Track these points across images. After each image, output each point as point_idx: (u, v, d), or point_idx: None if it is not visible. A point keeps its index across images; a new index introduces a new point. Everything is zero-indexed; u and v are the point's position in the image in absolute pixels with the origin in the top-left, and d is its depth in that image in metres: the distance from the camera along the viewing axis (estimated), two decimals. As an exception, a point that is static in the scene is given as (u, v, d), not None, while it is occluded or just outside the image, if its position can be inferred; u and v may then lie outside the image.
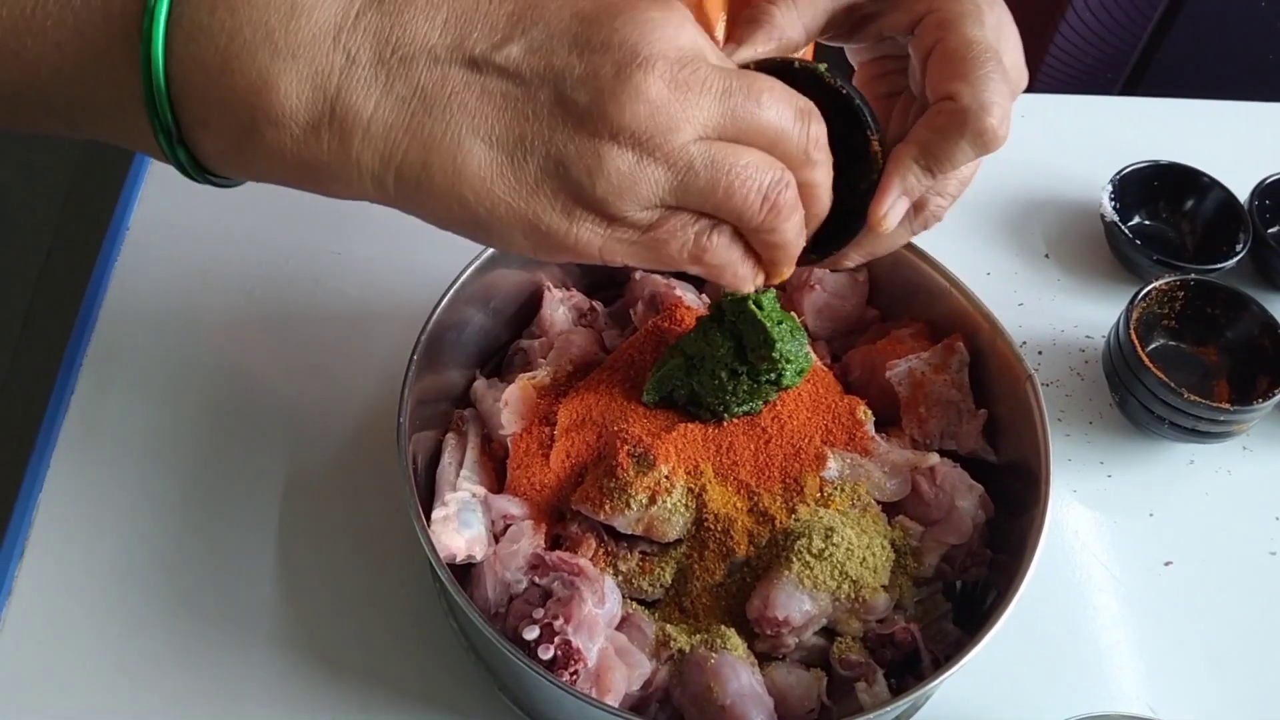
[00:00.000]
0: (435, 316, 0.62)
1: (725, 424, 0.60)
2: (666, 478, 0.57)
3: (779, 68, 0.48)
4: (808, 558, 0.56)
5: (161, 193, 0.81)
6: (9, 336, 1.75)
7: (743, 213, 0.41)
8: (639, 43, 0.38)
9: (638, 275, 0.70)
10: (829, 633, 0.58)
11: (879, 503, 0.60)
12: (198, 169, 0.40)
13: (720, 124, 0.40)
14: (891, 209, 0.48)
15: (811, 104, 0.43)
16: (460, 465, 0.63)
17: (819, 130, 0.43)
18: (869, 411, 0.62)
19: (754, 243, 0.44)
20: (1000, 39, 0.48)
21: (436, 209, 0.39)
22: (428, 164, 0.38)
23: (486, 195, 0.38)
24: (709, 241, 0.42)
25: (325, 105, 0.37)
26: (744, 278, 0.45)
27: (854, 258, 0.53)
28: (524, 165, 0.38)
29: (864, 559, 0.57)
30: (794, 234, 0.44)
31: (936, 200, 0.51)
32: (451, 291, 0.63)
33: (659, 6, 0.39)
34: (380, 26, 0.37)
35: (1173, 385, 0.69)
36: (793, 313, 0.63)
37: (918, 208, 0.51)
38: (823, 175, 0.44)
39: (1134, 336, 0.71)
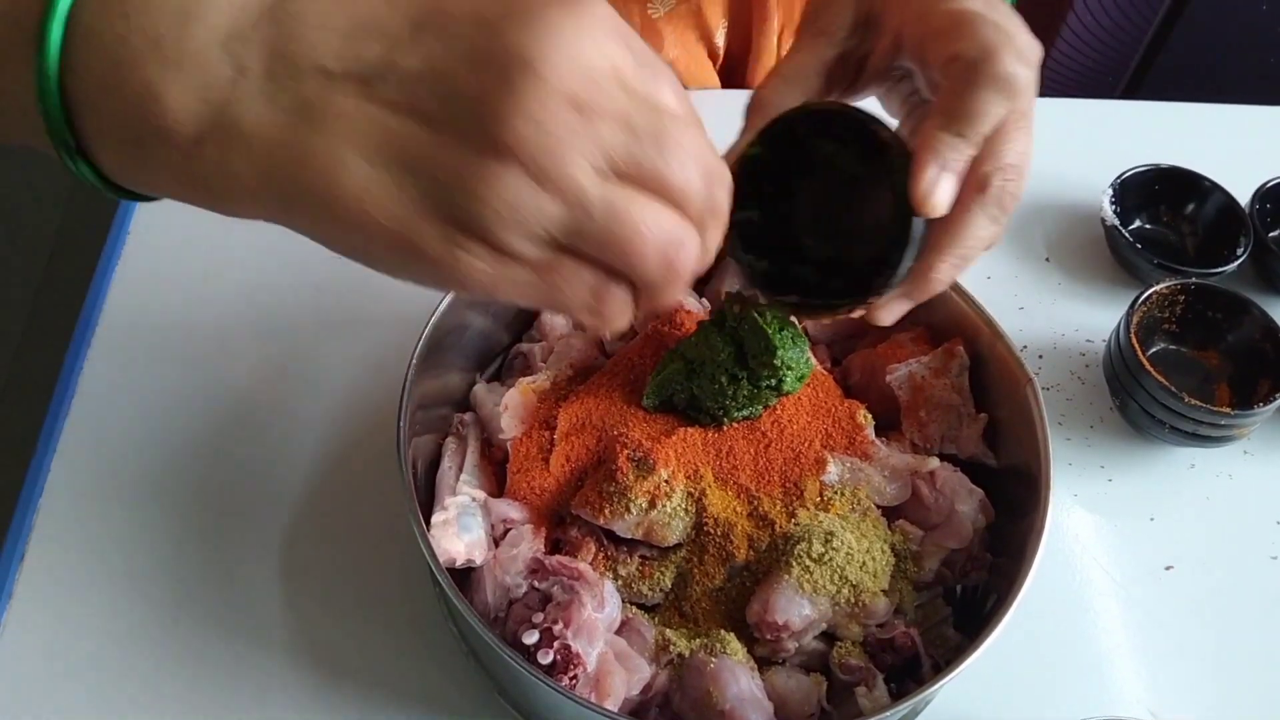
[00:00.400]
0: (434, 320, 0.62)
1: (725, 428, 0.60)
2: (666, 482, 0.57)
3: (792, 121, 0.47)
4: (807, 562, 0.56)
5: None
6: (11, 339, 1.75)
7: (640, 270, 0.38)
8: (532, 51, 0.34)
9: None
10: (829, 637, 0.58)
11: (879, 507, 0.60)
12: (104, 183, 0.38)
13: (620, 159, 0.36)
14: (935, 186, 0.45)
15: (722, 166, 0.40)
16: (460, 469, 0.63)
17: (722, 196, 0.40)
18: (869, 415, 0.62)
19: (641, 291, 0.40)
20: (989, 9, 0.46)
21: (316, 230, 0.37)
22: (301, 180, 0.35)
23: (361, 215, 0.35)
24: (607, 296, 0.38)
25: (210, 118, 0.35)
26: (624, 324, 0.42)
27: (904, 296, 0.49)
28: (405, 185, 0.35)
29: (864, 563, 0.57)
30: (686, 279, 0.40)
31: (1000, 175, 0.46)
32: (450, 295, 0.63)
33: (569, 7, 0.35)
34: (273, 37, 0.35)
35: (1173, 389, 0.69)
36: (793, 318, 0.63)
37: (979, 187, 0.46)
38: (713, 240, 0.40)
39: (1135, 340, 0.71)
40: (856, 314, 0.51)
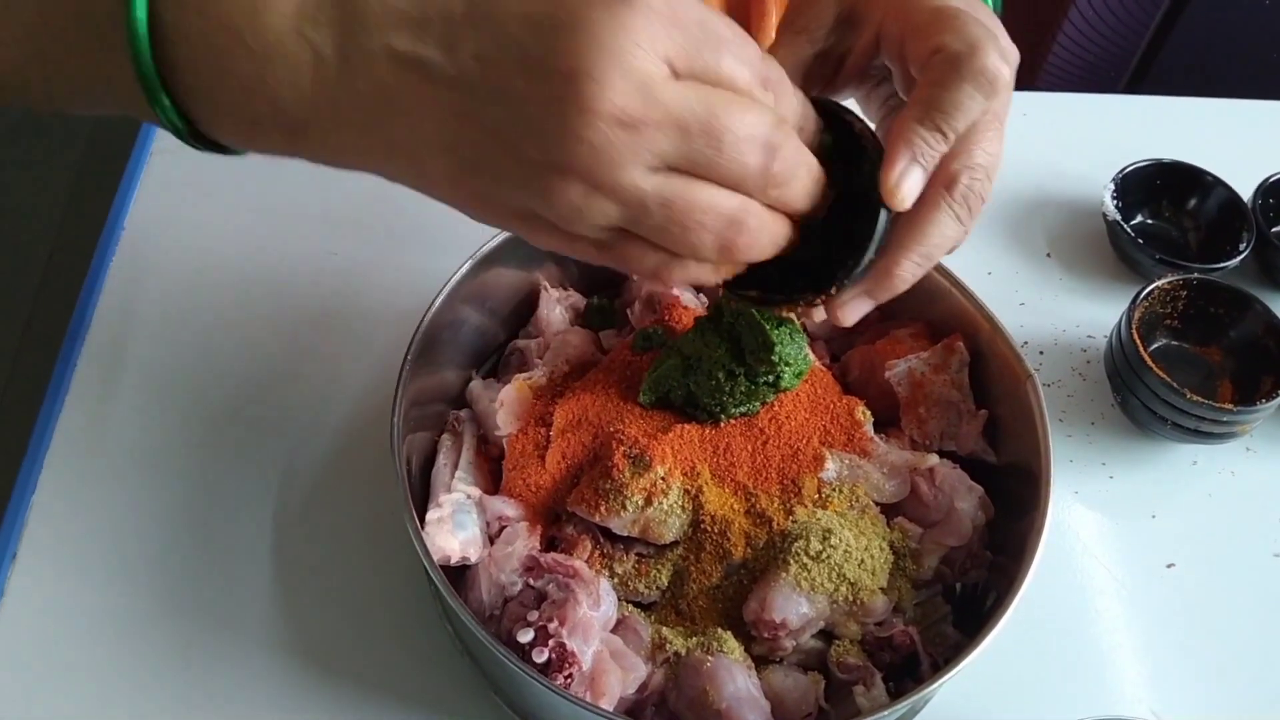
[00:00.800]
0: (430, 316, 0.61)
1: (722, 425, 0.60)
2: (663, 479, 0.57)
3: None
4: (805, 560, 0.55)
5: (158, 193, 0.81)
6: (11, 337, 1.75)
7: (698, 251, 0.41)
8: (580, 70, 0.36)
9: (635, 275, 0.70)
10: (827, 635, 0.57)
11: (877, 504, 0.60)
12: (218, 147, 0.42)
13: (673, 159, 0.38)
14: (903, 178, 0.45)
15: (783, 134, 0.41)
16: (455, 466, 0.62)
17: (785, 166, 0.41)
18: (868, 412, 0.62)
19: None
20: (971, 7, 0.46)
21: (417, 188, 0.41)
22: (394, 161, 0.39)
23: (450, 191, 0.40)
24: (671, 268, 0.42)
25: (308, 102, 0.38)
26: (707, 281, 0.45)
27: (866, 295, 0.48)
28: (484, 180, 0.39)
29: (862, 561, 0.56)
30: (760, 251, 0.43)
31: (968, 174, 0.46)
32: (446, 291, 0.62)
33: (616, 18, 0.36)
34: (340, 18, 0.37)
35: (1175, 385, 0.68)
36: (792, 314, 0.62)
37: (947, 184, 0.46)
38: (794, 192, 0.42)
39: (1136, 336, 0.70)
40: (816, 312, 0.50)
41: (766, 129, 0.40)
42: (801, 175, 0.42)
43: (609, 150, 0.37)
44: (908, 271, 0.47)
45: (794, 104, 0.44)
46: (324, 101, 0.38)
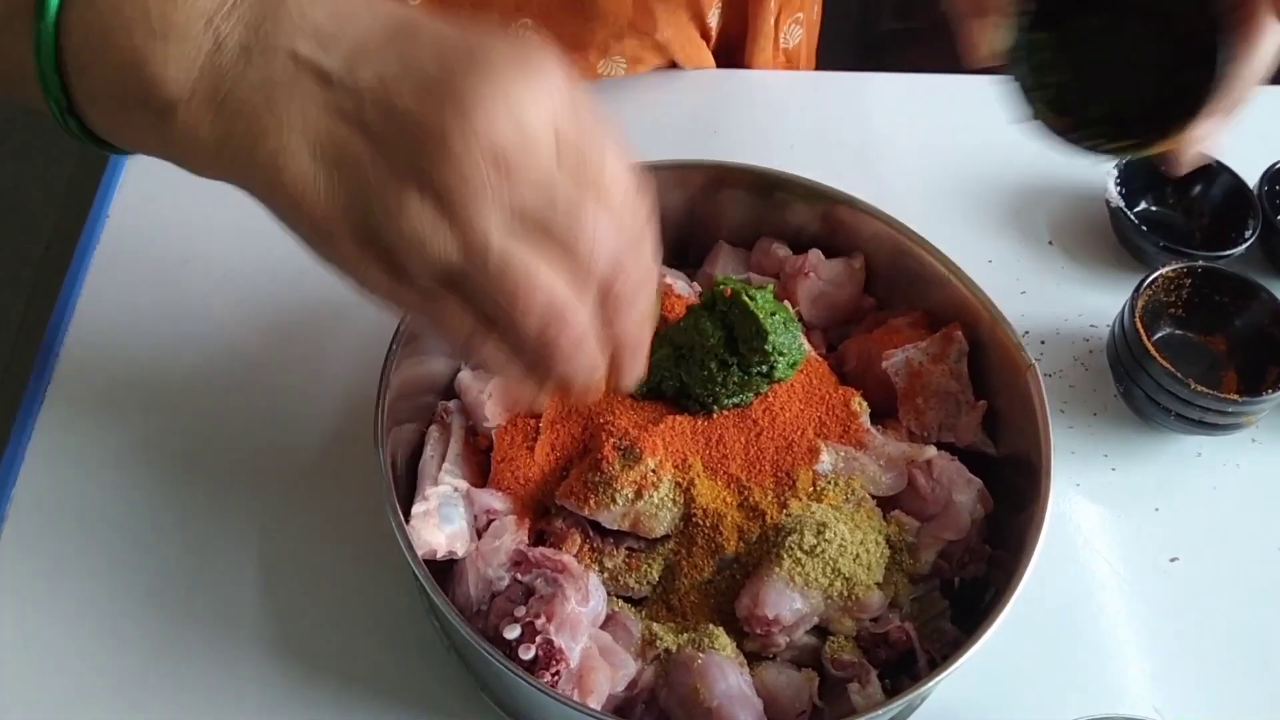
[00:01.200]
0: (416, 305, 0.60)
1: (715, 416, 0.58)
2: (653, 471, 0.56)
3: None
4: (799, 554, 0.54)
5: (142, 180, 0.80)
6: (8, 329, 1.74)
7: (516, 333, 0.40)
8: (475, 101, 0.36)
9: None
10: (821, 632, 0.56)
11: (874, 497, 0.58)
12: (90, 137, 0.42)
13: (534, 221, 0.38)
14: None
15: (640, 259, 0.41)
16: (443, 459, 0.61)
17: (633, 282, 0.41)
18: (864, 403, 0.61)
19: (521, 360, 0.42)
20: None
21: (261, 199, 0.40)
22: (254, 156, 0.38)
23: (297, 200, 0.38)
24: (483, 343, 0.41)
25: (187, 87, 0.38)
26: (523, 390, 0.43)
27: (1221, 115, 0.50)
28: (336, 187, 0.38)
29: (857, 555, 0.55)
30: (572, 367, 0.41)
31: None
32: (433, 279, 0.61)
33: (524, 68, 0.38)
34: (255, 16, 0.38)
35: (1179, 375, 0.67)
36: (786, 302, 0.61)
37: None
38: (627, 319, 0.42)
39: (1139, 325, 0.69)
40: (1165, 148, 0.50)
41: (622, 242, 0.40)
42: (640, 305, 0.42)
43: (475, 181, 0.37)
44: (1242, 90, 0.49)
45: (644, 259, 0.43)
46: (205, 85, 0.38)
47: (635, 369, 0.44)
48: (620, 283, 0.41)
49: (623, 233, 0.40)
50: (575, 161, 0.39)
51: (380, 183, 0.37)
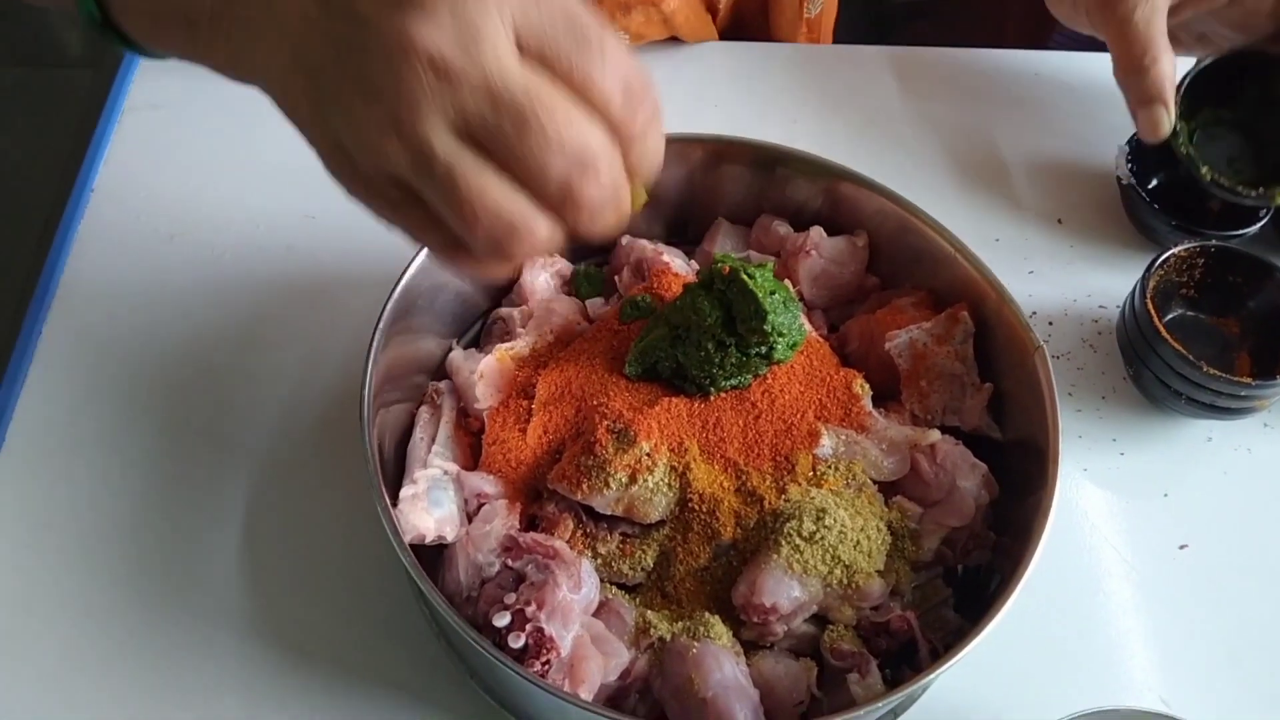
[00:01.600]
0: (404, 282, 0.58)
1: (712, 398, 0.57)
2: (648, 455, 0.54)
3: None
4: (798, 541, 0.53)
5: (128, 153, 0.78)
6: (6, 308, 1.73)
7: (472, 241, 0.39)
8: (420, 15, 0.36)
9: (624, 240, 0.67)
10: (820, 620, 0.55)
11: (875, 482, 0.57)
12: (122, 41, 0.47)
13: (477, 128, 0.37)
14: None
15: (610, 156, 0.39)
16: (432, 441, 0.59)
17: (602, 185, 0.39)
18: (866, 385, 0.59)
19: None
20: None
21: (286, 112, 0.41)
22: (254, 60, 0.41)
23: (283, 101, 0.41)
24: (457, 256, 0.41)
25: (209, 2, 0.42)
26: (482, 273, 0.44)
27: None
28: (309, 92, 0.39)
29: (858, 542, 0.53)
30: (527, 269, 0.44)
31: None
32: (423, 254, 0.59)
33: None
34: None
35: (1191, 358, 0.65)
36: (787, 281, 0.60)
37: None
38: (592, 226, 0.40)
39: (1150, 306, 0.67)
40: None
41: (585, 145, 0.38)
42: (606, 215, 0.40)
43: (415, 91, 0.36)
44: None
45: (649, 146, 0.41)
46: (214, 10, 0.41)
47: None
48: (588, 185, 0.38)
49: (585, 129, 0.38)
50: (541, 59, 0.37)
51: (336, 88, 0.38)
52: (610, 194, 0.39)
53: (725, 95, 0.86)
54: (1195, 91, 0.72)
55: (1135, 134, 0.79)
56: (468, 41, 0.36)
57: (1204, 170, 0.71)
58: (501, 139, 0.37)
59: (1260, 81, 0.73)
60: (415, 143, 0.37)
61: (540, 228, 0.39)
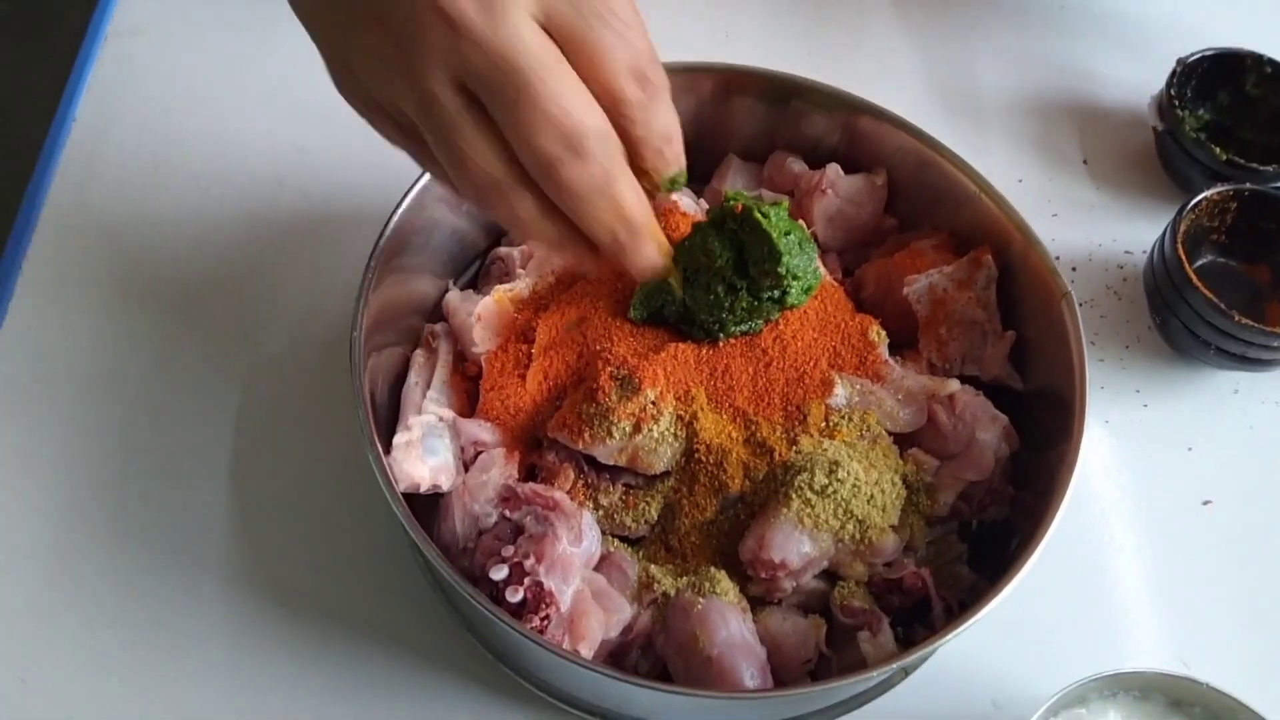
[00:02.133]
0: (397, 217, 0.56)
1: (721, 344, 0.55)
2: (653, 403, 0.52)
3: None
4: (809, 494, 0.51)
5: (111, 80, 0.75)
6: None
7: (462, 192, 0.42)
8: None
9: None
10: (830, 576, 0.54)
11: (891, 434, 0.55)
12: None
13: (478, 86, 0.38)
14: None
15: (606, 140, 0.40)
16: (427, 386, 0.57)
17: (594, 172, 0.40)
18: (883, 332, 0.57)
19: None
20: None
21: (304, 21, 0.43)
22: None
23: (308, 25, 0.42)
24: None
25: None
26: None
27: None
28: (329, 16, 0.40)
29: (871, 496, 0.52)
30: (521, 233, 0.43)
31: None
32: (416, 189, 0.57)
33: None
34: None
35: (1222, 306, 0.62)
36: (801, 221, 0.57)
37: None
38: (582, 213, 0.42)
39: (1181, 251, 0.64)
40: None
41: (577, 124, 0.39)
42: (601, 203, 0.41)
43: (430, 42, 0.37)
44: None
45: (660, 122, 0.42)
46: None
47: (588, 265, 0.46)
48: (580, 168, 0.39)
49: (583, 109, 0.39)
50: (556, 30, 0.38)
51: (357, 12, 0.39)
52: (599, 182, 0.40)
53: (737, 24, 0.82)
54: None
55: (1181, 63, 0.75)
56: (492, 5, 0.37)
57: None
58: (499, 104, 0.38)
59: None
60: (420, 88, 0.38)
61: (522, 201, 0.40)
